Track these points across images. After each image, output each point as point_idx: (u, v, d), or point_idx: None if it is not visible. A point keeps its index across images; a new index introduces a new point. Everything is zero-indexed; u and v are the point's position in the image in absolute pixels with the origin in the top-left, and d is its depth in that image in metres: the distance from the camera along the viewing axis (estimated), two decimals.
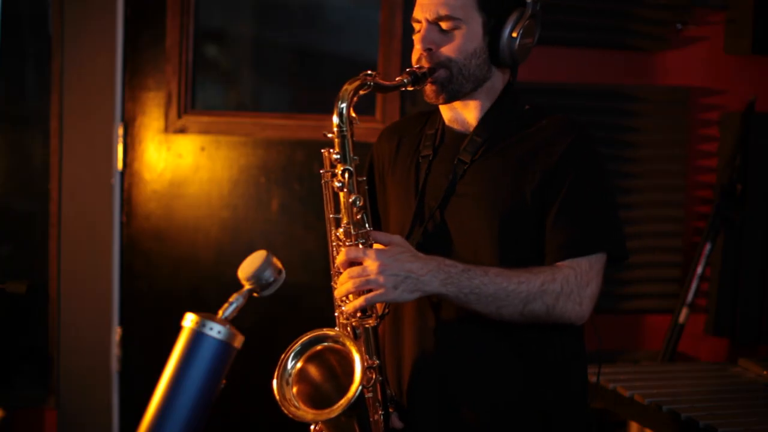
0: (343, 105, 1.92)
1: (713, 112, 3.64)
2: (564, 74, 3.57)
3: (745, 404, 2.69)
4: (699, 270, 3.40)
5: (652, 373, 3.05)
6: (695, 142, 3.65)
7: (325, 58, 3.72)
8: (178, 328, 1.69)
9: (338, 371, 1.93)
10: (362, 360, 1.85)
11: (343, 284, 1.87)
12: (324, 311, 3.71)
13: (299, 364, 1.94)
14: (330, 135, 1.94)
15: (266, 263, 1.78)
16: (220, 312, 1.73)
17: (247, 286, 1.78)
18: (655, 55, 3.63)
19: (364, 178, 1.97)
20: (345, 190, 1.92)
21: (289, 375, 1.92)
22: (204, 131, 3.59)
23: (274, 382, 1.92)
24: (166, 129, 3.57)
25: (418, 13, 2.00)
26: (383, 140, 2.21)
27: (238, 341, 1.72)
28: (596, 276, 1.92)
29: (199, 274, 3.60)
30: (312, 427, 1.99)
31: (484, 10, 1.96)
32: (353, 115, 1.93)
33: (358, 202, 1.91)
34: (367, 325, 1.93)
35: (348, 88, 1.92)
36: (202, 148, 3.59)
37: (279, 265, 1.80)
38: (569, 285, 1.88)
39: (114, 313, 3.58)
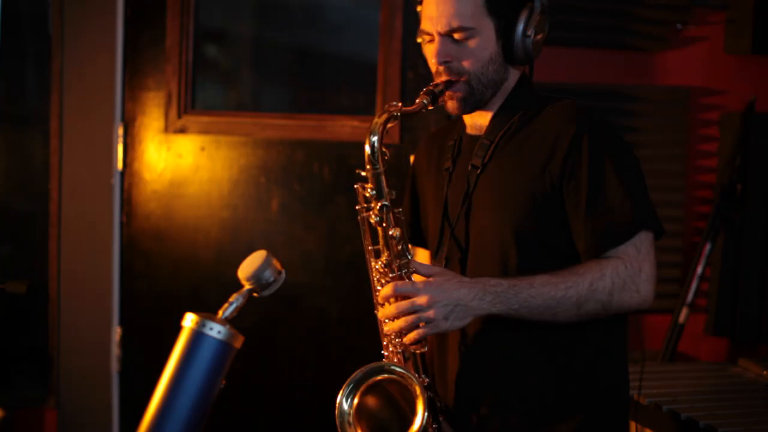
0: (375, 138, 1.90)
1: (713, 112, 3.64)
2: (564, 74, 3.57)
3: (745, 404, 2.69)
4: (699, 270, 3.40)
5: (652, 373, 3.04)
6: (695, 142, 3.65)
7: (325, 58, 3.72)
8: (178, 328, 1.70)
9: (397, 397, 1.93)
10: (424, 400, 1.86)
11: (394, 319, 1.87)
12: (324, 311, 3.75)
13: (356, 401, 1.92)
14: (363, 173, 1.94)
15: (266, 263, 1.78)
16: (220, 312, 1.74)
17: (247, 286, 1.79)
18: (655, 55, 3.63)
19: (401, 209, 1.97)
20: (384, 225, 1.92)
21: (349, 414, 1.92)
22: (204, 131, 3.59)
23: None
24: (166, 129, 3.57)
25: (427, 26, 1.98)
26: (420, 152, 2.26)
27: (238, 341, 1.72)
28: (647, 256, 1.89)
29: (199, 274, 3.60)
30: None
31: (494, 15, 1.96)
32: (384, 150, 1.92)
33: (397, 235, 1.91)
34: (418, 352, 1.95)
35: (378, 121, 1.91)
36: (202, 148, 3.59)
37: (279, 265, 1.80)
38: (620, 277, 1.87)
39: (114, 313, 3.58)
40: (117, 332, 3.58)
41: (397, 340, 1.94)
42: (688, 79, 3.63)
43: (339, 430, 1.90)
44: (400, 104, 1.94)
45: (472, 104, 2.00)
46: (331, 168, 3.56)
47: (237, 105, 3.77)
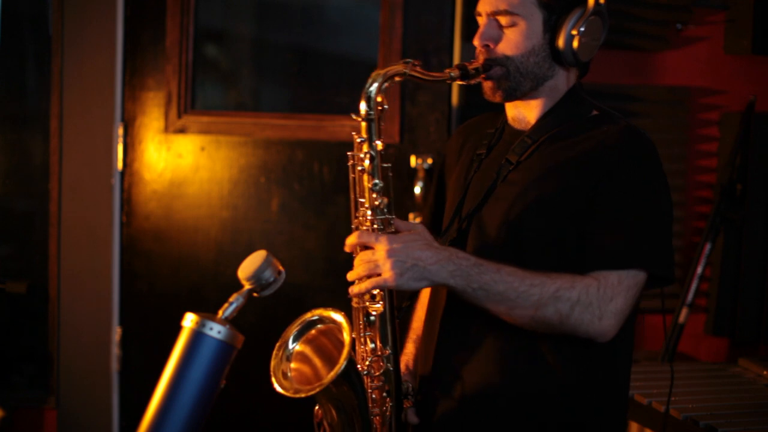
0: (372, 88, 1.86)
1: (713, 112, 3.64)
2: None
3: (745, 404, 2.69)
4: (699, 270, 3.40)
5: (652, 373, 3.05)
6: (695, 142, 3.65)
7: (325, 58, 3.72)
8: (178, 328, 1.70)
9: (335, 355, 1.92)
10: (350, 332, 1.84)
11: (354, 268, 1.84)
12: None
13: (299, 347, 1.93)
14: (357, 117, 1.90)
15: (266, 263, 1.78)
16: (220, 312, 1.73)
17: (247, 286, 1.78)
18: (655, 55, 3.63)
19: (390, 165, 1.92)
20: (367, 173, 1.89)
21: (290, 353, 1.92)
22: (204, 131, 3.59)
23: (272, 361, 1.90)
24: (166, 129, 3.57)
25: (480, 5, 1.97)
26: (453, 138, 2.21)
27: (238, 341, 1.72)
28: (625, 292, 1.81)
29: (199, 274, 3.60)
30: (316, 421, 1.99)
31: (545, 7, 1.92)
32: (379, 99, 1.88)
33: (377, 187, 1.88)
34: (372, 311, 1.90)
35: (380, 72, 1.87)
36: (202, 148, 3.59)
37: (279, 265, 1.80)
38: (588, 296, 1.80)
39: (114, 313, 3.58)
40: (117, 332, 3.58)
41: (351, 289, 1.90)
42: (688, 79, 3.63)
43: (274, 361, 1.89)
44: (417, 63, 1.90)
45: (506, 89, 1.95)
46: (331, 168, 3.56)
47: (237, 105, 3.77)
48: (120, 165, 3.57)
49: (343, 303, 3.81)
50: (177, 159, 3.59)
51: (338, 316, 1.91)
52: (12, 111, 3.60)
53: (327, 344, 1.94)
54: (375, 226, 1.88)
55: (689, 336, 3.54)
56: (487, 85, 1.96)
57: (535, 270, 1.83)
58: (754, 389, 2.87)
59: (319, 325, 1.95)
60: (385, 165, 1.90)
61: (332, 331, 1.93)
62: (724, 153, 3.56)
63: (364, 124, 1.88)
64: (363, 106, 1.87)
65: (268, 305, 3.53)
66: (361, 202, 1.92)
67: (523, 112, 2.02)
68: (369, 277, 1.82)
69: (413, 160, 3.49)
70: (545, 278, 1.81)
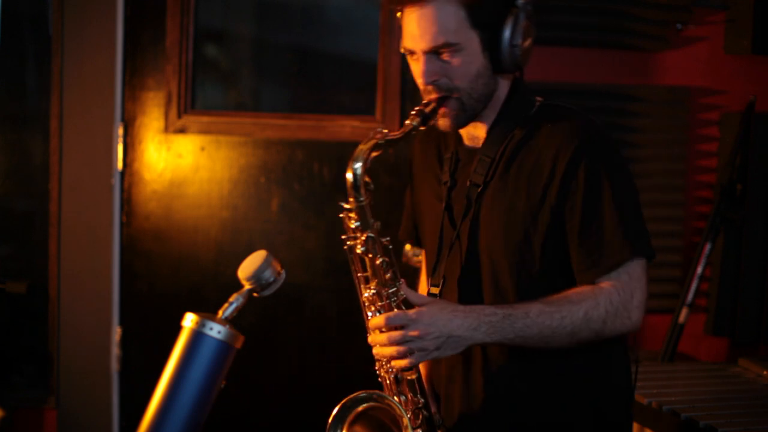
0: (358, 165, 1.85)
1: (713, 112, 3.64)
2: (564, 74, 3.57)
3: (745, 404, 2.69)
4: (699, 270, 3.40)
5: (652, 373, 3.04)
6: (695, 142, 3.65)
7: (325, 58, 3.72)
8: (178, 328, 1.70)
9: (386, 422, 1.92)
10: (406, 411, 1.86)
11: (384, 347, 1.84)
12: (324, 311, 3.74)
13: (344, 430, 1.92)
14: (347, 206, 1.89)
15: (266, 263, 1.78)
16: (220, 312, 1.74)
17: (247, 286, 1.78)
18: (655, 55, 3.63)
19: (388, 238, 1.92)
20: (370, 255, 1.89)
21: None
22: (204, 131, 3.59)
23: None
24: (166, 129, 3.57)
25: (409, 43, 1.93)
26: (418, 149, 2.21)
27: (238, 341, 1.72)
28: (638, 283, 1.88)
29: (199, 274, 3.60)
30: None
31: (478, 27, 1.88)
32: (367, 180, 1.87)
33: (384, 264, 1.89)
34: (409, 378, 1.94)
35: (363, 147, 1.86)
36: (202, 148, 3.59)
37: (279, 265, 1.80)
38: (613, 305, 1.86)
39: (114, 313, 3.58)
40: (117, 332, 3.58)
41: (387, 365, 1.93)
42: (688, 79, 3.63)
43: None
44: (386, 131, 1.90)
45: (464, 120, 1.95)
46: (331, 168, 3.56)
47: (237, 105, 3.77)
48: (120, 165, 3.57)
49: (342, 302, 3.81)
50: (177, 159, 3.59)
51: (390, 399, 1.91)
52: (12, 111, 3.60)
53: (377, 417, 1.94)
54: (392, 301, 1.89)
55: (689, 336, 3.54)
56: (444, 122, 1.94)
57: (557, 298, 1.86)
58: (754, 389, 2.87)
59: (364, 404, 1.93)
60: (384, 240, 1.90)
61: (379, 408, 1.93)
62: (724, 153, 3.56)
63: (355, 211, 1.88)
64: (350, 179, 1.86)
65: (268, 305, 3.53)
66: (366, 277, 1.92)
67: (472, 131, 2.02)
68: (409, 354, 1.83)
69: (411, 156, 3.49)
70: (572, 306, 1.85)
